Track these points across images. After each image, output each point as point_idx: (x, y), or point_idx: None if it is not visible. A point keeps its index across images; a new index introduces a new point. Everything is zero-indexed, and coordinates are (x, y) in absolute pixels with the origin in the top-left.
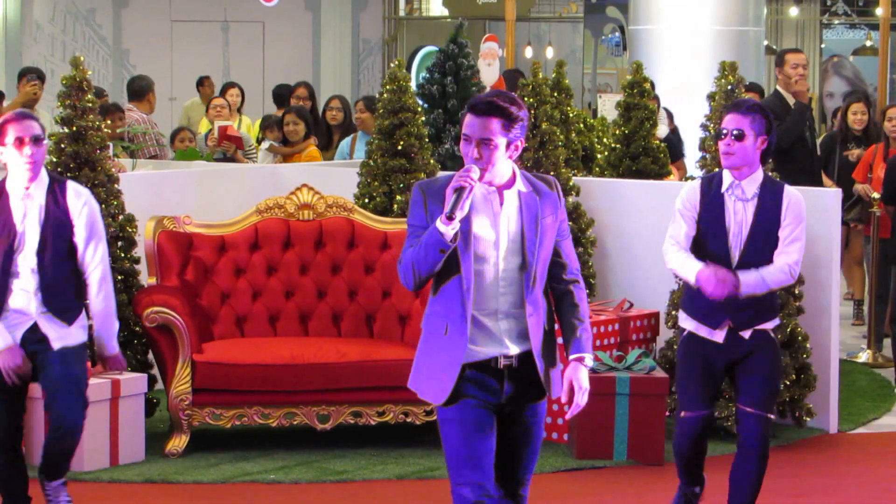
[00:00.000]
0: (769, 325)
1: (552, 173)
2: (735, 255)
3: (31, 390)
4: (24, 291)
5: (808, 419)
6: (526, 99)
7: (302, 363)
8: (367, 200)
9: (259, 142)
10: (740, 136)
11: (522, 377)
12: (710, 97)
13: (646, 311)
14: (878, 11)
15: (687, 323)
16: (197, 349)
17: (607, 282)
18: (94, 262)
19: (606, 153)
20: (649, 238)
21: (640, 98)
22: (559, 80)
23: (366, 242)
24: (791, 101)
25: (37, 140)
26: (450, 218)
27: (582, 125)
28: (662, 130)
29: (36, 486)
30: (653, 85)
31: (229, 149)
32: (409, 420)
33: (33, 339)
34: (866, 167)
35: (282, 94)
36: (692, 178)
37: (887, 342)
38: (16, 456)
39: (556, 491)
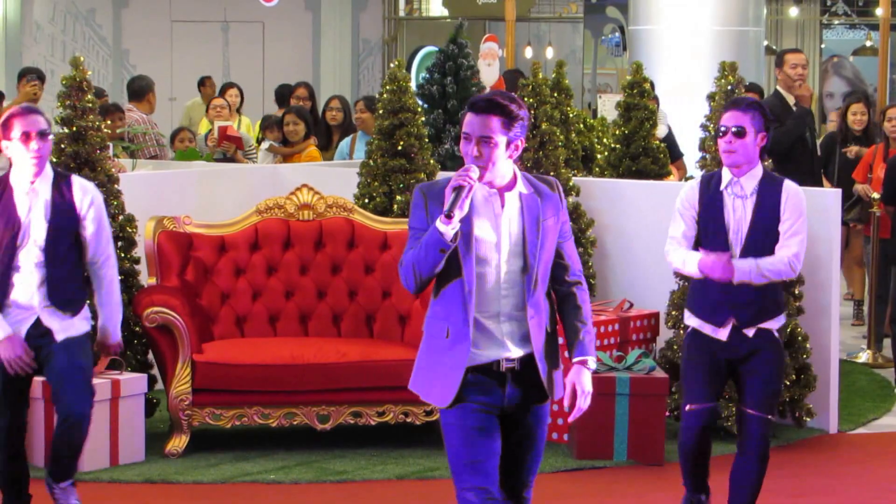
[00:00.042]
0: (773, 325)
1: (552, 174)
2: (736, 252)
3: (32, 391)
4: (27, 286)
5: (808, 419)
6: (526, 99)
7: (302, 363)
8: (367, 200)
9: (259, 142)
10: (741, 133)
11: (525, 380)
12: (710, 97)
13: (646, 312)
14: (878, 11)
15: (691, 320)
16: (197, 349)
17: (607, 282)
18: (104, 254)
19: (606, 153)
20: (649, 238)
21: (639, 98)
22: (559, 81)
23: (366, 243)
24: (791, 100)
25: (43, 134)
26: (448, 217)
27: (582, 125)
28: (662, 130)
29: (36, 486)
30: (652, 85)
31: (229, 149)
32: (409, 420)
33: (36, 334)
34: (866, 167)
35: (284, 94)
36: (692, 178)
37: (887, 342)
38: (18, 453)
39: (556, 491)
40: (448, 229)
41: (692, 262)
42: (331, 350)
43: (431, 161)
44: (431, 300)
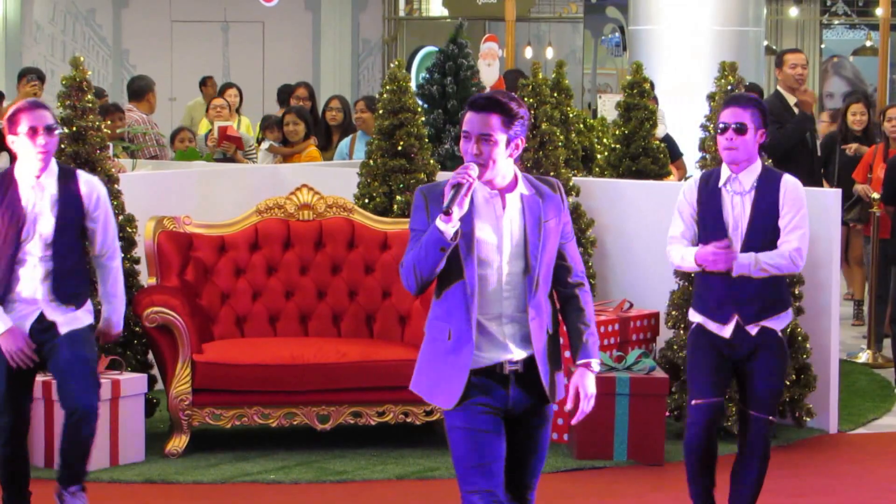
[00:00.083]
0: (777, 324)
1: (552, 174)
2: (737, 248)
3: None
4: (31, 279)
5: (808, 419)
6: (526, 99)
7: (302, 363)
8: (367, 201)
9: (259, 142)
10: (742, 130)
11: (528, 382)
12: (710, 97)
13: (646, 312)
14: (878, 11)
15: (696, 317)
16: (197, 349)
17: (607, 282)
18: (112, 247)
19: (606, 153)
20: (649, 238)
21: (639, 98)
22: (559, 81)
23: (366, 243)
24: (791, 101)
25: (50, 130)
26: (447, 214)
27: (582, 125)
28: (662, 130)
29: (35, 485)
30: (652, 85)
31: (229, 149)
32: (409, 420)
33: (40, 329)
34: (866, 167)
35: (286, 94)
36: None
37: (887, 342)
38: (20, 448)
39: (556, 491)
40: (448, 227)
41: (690, 257)
42: (331, 350)
43: (431, 161)
44: (433, 302)
